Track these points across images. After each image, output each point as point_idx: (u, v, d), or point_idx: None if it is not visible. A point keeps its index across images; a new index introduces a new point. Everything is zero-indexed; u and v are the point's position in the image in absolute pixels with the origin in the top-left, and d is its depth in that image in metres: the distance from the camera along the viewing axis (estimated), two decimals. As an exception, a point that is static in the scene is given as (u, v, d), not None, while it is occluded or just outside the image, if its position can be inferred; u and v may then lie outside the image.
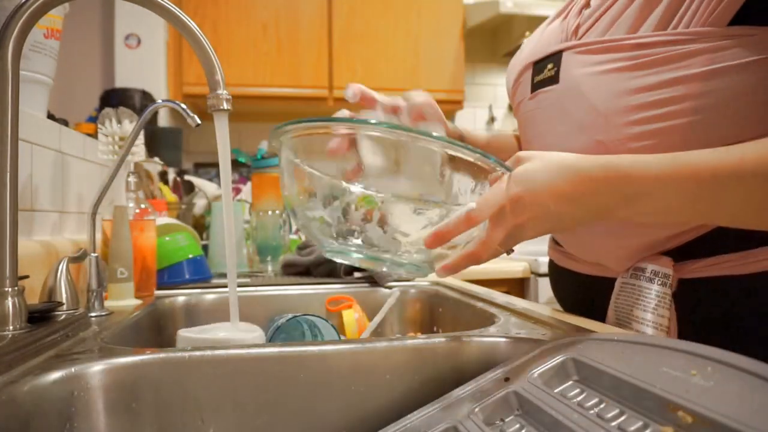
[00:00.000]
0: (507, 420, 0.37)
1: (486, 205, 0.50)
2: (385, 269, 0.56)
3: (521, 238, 0.52)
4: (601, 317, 0.63)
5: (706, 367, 0.29)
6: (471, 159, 0.49)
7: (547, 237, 0.81)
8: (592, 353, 0.37)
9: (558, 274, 0.75)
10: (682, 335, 0.55)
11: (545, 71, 0.62)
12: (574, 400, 0.34)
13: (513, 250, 0.55)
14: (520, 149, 0.77)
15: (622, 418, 0.30)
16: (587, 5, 0.63)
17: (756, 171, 0.44)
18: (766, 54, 0.48)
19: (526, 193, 0.48)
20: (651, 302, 0.55)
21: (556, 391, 0.36)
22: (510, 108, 2.54)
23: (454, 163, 0.51)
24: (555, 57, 0.61)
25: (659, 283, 0.55)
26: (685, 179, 0.46)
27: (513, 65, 0.72)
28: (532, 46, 0.68)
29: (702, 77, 0.50)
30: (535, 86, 0.64)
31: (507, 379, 0.40)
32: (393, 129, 0.48)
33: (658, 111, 0.52)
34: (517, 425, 0.36)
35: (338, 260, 0.56)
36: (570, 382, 0.37)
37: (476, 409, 0.38)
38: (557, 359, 0.39)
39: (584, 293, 0.69)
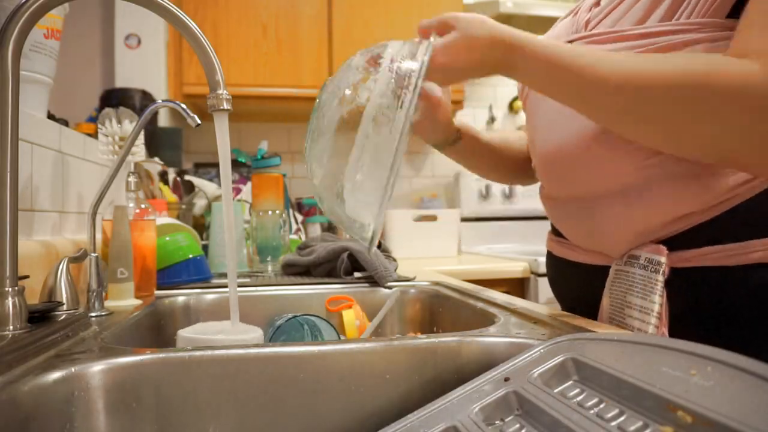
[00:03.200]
0: (507, 420, 0.37)
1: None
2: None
3: (447, 59, 0.57)
4: (596, 306, 0.65)
5: (706, 367, 0.29)
6: None
7: (546, 234, 0.82)
8: (592, 353, 0.37)
9: (556, 265, 0.77)
10: (673, 323, 0.57)
11: None
12: (574, 400, 0.34)
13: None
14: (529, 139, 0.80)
15: (622, 418, 0.30)
16: (597, 4, 0.68)
17: (628, 78, 0.50)
18: None
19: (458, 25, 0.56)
20: (642, 289, 0.58)
21: (556, 391, 0.36)
22: (510, 108, 2.55)
23: None
24: None
25: (652, 270, 0.57)
26: (555, 64, 0.53)
27: None
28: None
29: None
30: None
31: (507, 379, 0.40)
32: None
33: None
34: (517, 425, 0.36)
35: None
36: (570, 382, 0.37)
37: (476, 409, 0.38)
38: (557, 359, 0.39)
39: (583, 283, 0.71)
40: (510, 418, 0.37)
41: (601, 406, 0.32)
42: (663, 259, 0.57)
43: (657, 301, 0.56)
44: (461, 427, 0.37)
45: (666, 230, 0.59)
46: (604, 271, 0.65)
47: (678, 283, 0.57)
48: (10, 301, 0.54)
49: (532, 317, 0.61)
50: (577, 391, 0.35)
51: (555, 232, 0.77)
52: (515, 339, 0.52)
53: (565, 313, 0.69)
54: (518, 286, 1.63)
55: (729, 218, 0.56)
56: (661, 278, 0.57)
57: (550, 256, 0.79)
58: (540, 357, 0.40)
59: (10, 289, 0.54)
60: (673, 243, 0.58)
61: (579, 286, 0.71)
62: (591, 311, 0.66)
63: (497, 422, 0.37)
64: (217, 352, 0.47)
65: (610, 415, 0.31)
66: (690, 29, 0.54)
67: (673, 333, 0.57)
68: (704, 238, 0.57)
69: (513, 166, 0.88)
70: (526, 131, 0.77)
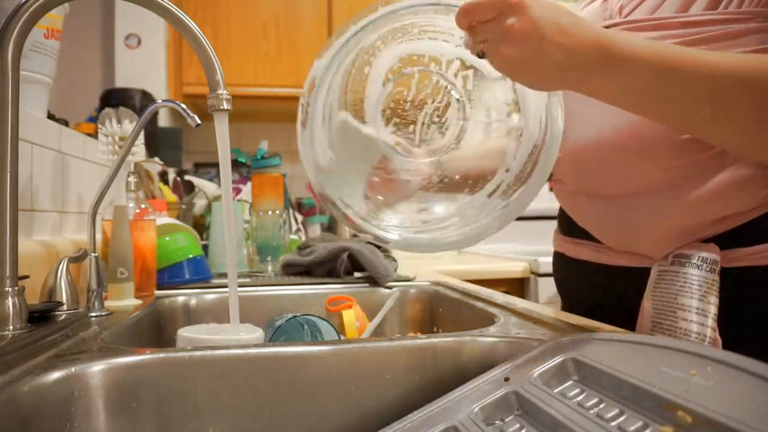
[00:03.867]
0: (507, 420, 0.37)
1: None
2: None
3: (500, 45, 0.48)
4: (628, 310, 0.62)
5: (706, 367, 0.29)
6: None
7: (549, 236, 0.81)
8: (592, 353, 0.37)
9: (571, 268, 0.73)
10: (725, 325, 0.55)
11: None
12: (574, 400, 0.34)
13: (483, 55, 0.51)
14: None
15: (622, 418, 0.30)
16: None
17: (726, 75, 0.45)
18: None
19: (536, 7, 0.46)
20: (698, 289, 0.54)
21: (556, 391, 0.36)
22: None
23: None
24: None
25: (707, 269, 0.55)
26: (663, 64, 0.46)
27: None
28: None
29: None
30: None
31: (507, 379, 0.40)
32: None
33: None
34: (517, 425, 0.36)
35: None
36: (570, 382, 0.37)
37: (476, 409, 0.38)
38: (557, 359, 0.39)
39: (610, 286, 0.67)
40: (510, 418, 0.37)
41: (601, 406, 0.32)
42: (718, 258, 0.55)
43: (713, 302, 0.54)
44: (461, 427, 0.37)
45: (712, 229, 0.56)
46: (637, 273, 0.62)
47: (727, 283, 0.55)
48: (10, 301, 0.54)
49: (532, 317, 0.61)
50: (577, 391, 0.35)
51: (568, 233, 0.73)
52: (515, 339, 0.52)
53: (565, 313, 0.68)
54: (518, 286, 1.63)
55: None
56: (717, 278, 0.54)
57: (562, 259, 0.75)
58: (540, 357, 0.40)
59: (10, 289, 0.54)
60: (723, 242, 0.56)
61: (605, 290, 0.67)
62: (618, 315, 0.63)
63: (497, 422, 0.37)
64: (217, 352, 0.47)
65: (610, 415, 0.31)
66: (740, 19, 0.51)
67: (723, 334, 0.55)
68: (751, 236, 0.55)
69: None
70: None
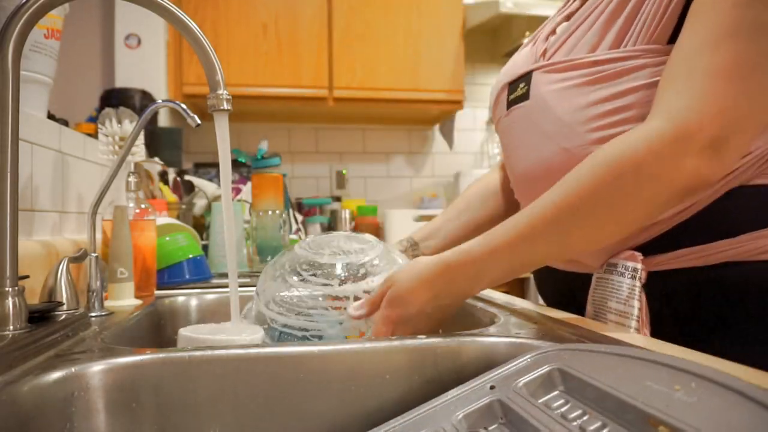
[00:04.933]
0: (490, 428, 0.37)
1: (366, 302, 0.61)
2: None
3: (412, 326, 0.59)
4: (581, 310, 0.67)
5: (690, 382, 0.29)
6: None
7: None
8: (579, 364, 0.37)
9: (540, 273, 0.80)
10: (655, 325, 0.60)
11: (518, 90, 0.70)
12: (557, 411, 0.34)
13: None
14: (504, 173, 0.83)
15: (604, 431, 0.30)
16: (553, 33, 0.71)
17: (559, 218, 0.55)
18: None
19: (398, 291, 0.58)
20: (623, 294, 0.60)
21: (540, 401, 0.36)
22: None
23: None
24: (526, 77, 0.69)
25: (630, 276, 0.60)
26: (502, 250, 0.57)
27: (493, 88, 0.80)
28: (508, 68, 0.76)
29: (646, 87, 0.57)
30: (510, 103, 0.72)
31: (492, 387, 0.40)
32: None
33: (613, 119, 0.59)
34: (500, 434, 0.36)
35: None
36: (555, 393, 0.37)
37: (460, 416, 0.38)
38: (544, 369, 0.39)
39: (564, 289, 0.73)
40: (493, 426, 0.37)
41: (585, 418, 0.32)
42: (639, 266, 0.60)
43: (636, 305, 0.59)
44: (444, 433, 0.36)
45: (639, 237, 0.61)
46: (583, 278, 0.67)
47: (655, 285, 0.60)
48: (10, 301, 0.55)
49: (532, 317, 0.62)
50: (561, 402, 0.35)
51: None
52: (515, 339, 0.52)
53: (565, 313, 0.69)
54: (518, 286, 1.64)
55: (695, 223, 0.59)
56: (638, 284, 0.59)
57: None
58: (527, 366, 0.40)
59: (10, 289, 0.55)
60: (648, 249, 0.61)
61: (563, 293, 0.74)
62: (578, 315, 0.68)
63: (480, 430, 0.37)
64: (217, 352, 0.47)
65: (592, 427, 0.31)
66: (635, 56, 0.58)
67: (656, 333, 0.59)
68: (675, 242, 0.60)
69: (503, 212, 0.89)
70: (502, 152, 0.81)
